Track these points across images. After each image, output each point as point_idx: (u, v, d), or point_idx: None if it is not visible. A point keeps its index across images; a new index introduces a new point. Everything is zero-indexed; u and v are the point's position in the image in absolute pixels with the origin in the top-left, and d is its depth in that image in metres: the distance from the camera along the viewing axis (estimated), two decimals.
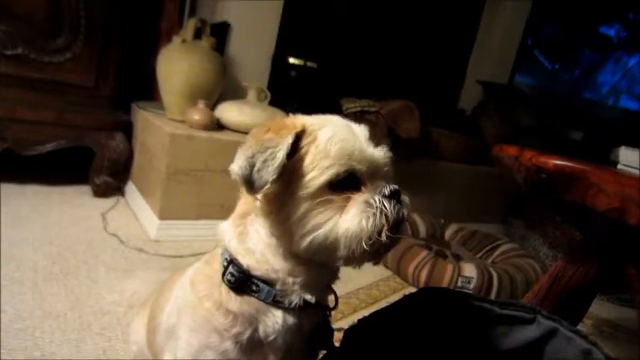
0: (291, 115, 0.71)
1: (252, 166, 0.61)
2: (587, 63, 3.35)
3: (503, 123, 3.23)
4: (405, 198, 0.66)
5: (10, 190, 2.00)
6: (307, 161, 0.63)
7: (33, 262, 1.49)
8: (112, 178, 2.23)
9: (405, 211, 0.65)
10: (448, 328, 0.86)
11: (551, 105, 3.44)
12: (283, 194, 0.64)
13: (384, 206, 0.63)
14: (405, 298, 0.86)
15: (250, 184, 0.62)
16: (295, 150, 0.63)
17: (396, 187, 0.65)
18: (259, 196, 0.65)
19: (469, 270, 1.93)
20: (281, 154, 0.61)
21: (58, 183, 2.22)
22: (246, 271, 0.68)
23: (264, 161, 0.60)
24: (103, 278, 1.49)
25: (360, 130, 0.68)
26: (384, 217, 0.62)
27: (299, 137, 0.63)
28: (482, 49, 3.57)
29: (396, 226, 0.64)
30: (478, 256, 2.43)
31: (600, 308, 2.18)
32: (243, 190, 0.71)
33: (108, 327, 1.24)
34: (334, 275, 0.74)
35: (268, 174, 0.60)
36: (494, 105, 3.37)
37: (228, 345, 0.68)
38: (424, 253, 2.02)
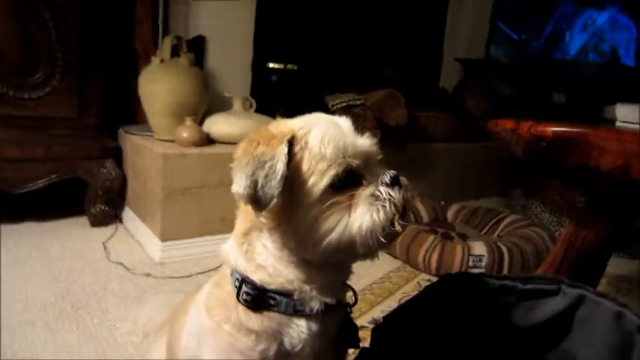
0: (273, 121, 0.69)
1: (254, 183, 0.59)
2: (557, 23, 3.34)
3: (486, 97, 3.24)
4: (404, 179, 0.66)
5: (6, 230, 1.97)
6: (304, 167, 0.62)
7: (41, 300, 1.47)
8: (107, 206, 2.20)
9: (409, 194, 0.65)
10: (475, 312, 0.85)
11: (530, 71, 3.43)
12: (287, 205, 0.63)
13: (391, 195, 0.62)
14: (427, 288, 0.85)
15: (257, 202, 0.60)
16: (290, 157, 0.62)
17: (395, 172, 0.65)
18: (265, 212, 0.63)
19: (479, 248, 1.92)
20: (280, 166, 0.60)
21: (54, 217, 2.19)
22: (261, 287, 0.67)
23: (266, 176, 0.59)
24: (113, 308, 1.47)
25: (345, 124, 0.67)
26: (393, 206, 0.62)
27: (290, 144, 0.62)
28: (455, 27, 3.57)
29: (404, 210, 0.64)
30: (483, 232, 2.42)
31: (613, 264, 2.16)
32: (241, 208, 0.70)
33: (126, 358, 1.22)
34: (348, 272, 0.73)
35: (272, 188, 0.59)
36: (475, 80, 3.37)
37: None
38: (431, 237, 2.01)
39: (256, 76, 2.59)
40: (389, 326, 0.78)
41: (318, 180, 0.61)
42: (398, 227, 0.62)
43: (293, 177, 0.62)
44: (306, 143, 0.63)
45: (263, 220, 0.65)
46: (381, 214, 0.61)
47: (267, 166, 0.60)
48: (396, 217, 0.62)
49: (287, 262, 0.66)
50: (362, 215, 0.61)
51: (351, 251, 0.63)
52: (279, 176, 0.59)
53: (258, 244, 0.68)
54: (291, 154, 0.62)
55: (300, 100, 2.48)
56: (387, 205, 0.62)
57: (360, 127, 0.68)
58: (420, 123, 2.89)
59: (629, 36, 3.06)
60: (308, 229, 0.62)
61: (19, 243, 1.89)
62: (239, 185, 0.60)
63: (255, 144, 0.62)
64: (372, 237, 0.61)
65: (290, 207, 0.63)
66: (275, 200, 0.60)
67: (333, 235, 0.61)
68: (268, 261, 0.67)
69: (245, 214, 0.69)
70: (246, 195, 0.60)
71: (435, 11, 3.49)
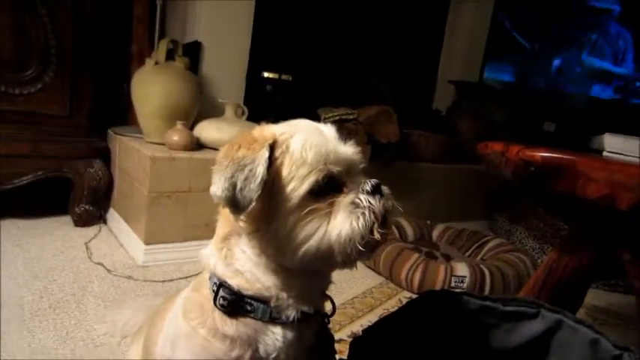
0: (257, 126, 0.69)
1: (233, 186, 0.59)
2: (555, 55, 3.41)
3: (478, 120, 3.27)
4: (385, 189, 0.66)
5: None
6: (284, 172, 0.61)
7: (18, 298, 1.44)
8: (92, 206, 2.18)
9: (390, 203, 0.65)
10: (454, 330, 0.85)
11: (522, 99, 3.49)
12: (266, 210, 0.63)
13: (370, 203, 0.62)
14: (409, 303, 0.85)
15: (235, 204, 0.60)
16: (271, 162, 0.62)
17: (376, 180, 0.65)
18: (243, 216, 0.64)
19: (461, 269, 1.93)
20: (260, 170, 0.60)
21: (37, 215, 2.17)
22: (238, 293, 0.66)
23: (245, 179, 0.59)
24: (92, 309, 1.45)
25: (329, 131, 0.67)
26: (372, 214, 0.62)
27: (272, 148, 0.62)
28: (450, 50, 3.62)
29: (384, 219, 0.63)
30: (467, 254, 2.43)
31: (590, 296, 2.18)
32: (222, 213, 0.70)
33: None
34: (328, 281, 0.73)
35: (251, 192, 0.59)
36: (468, 103, 3.41)
37: None
38: (415, 256, 2.02)
39: (250, 85, 2.60)
40: (368, 339, 0.78)
41: (297, 185, 0.61)
42: (377, 236, 0.61)
43: (273, 182, 0.62)
44: (287, 148, 0.63)
45: (242, 224, 0.65)
46: (361, 222, 0.61)
47: (247, 169, 0.60)
48: (376, 225, 0.62)
49: (265, 268, 0.66)
50: (341, 223, 0.61)
51: (329, 259, 0.62)
52: (258, 180, 0.59)
53: (237, 249, 0.68)
54: (272, 158, 0.62)
55: (292, 110, 2.49)
56: (367, 213, 0.61)
57: (345, 136, 0.69)
58: (411, 141, 2.91)
59: (625, 72, 3.13)
60: (286, 236, 0.62)
61: (2, 239, 1.86)
62: (217, 187, 0.60)
63: (237, 147, 0.62)
64: (351, 245, 0.61)
65: (269, 212, 0.63)
66: (253, 204, 0.60)
67: (312, 242, 0.61)
68: (246, 266, 0.67)
69: (225, 219, 0.69)
70: (224, 197, 0.60)
71: (432, 33, 3.54)
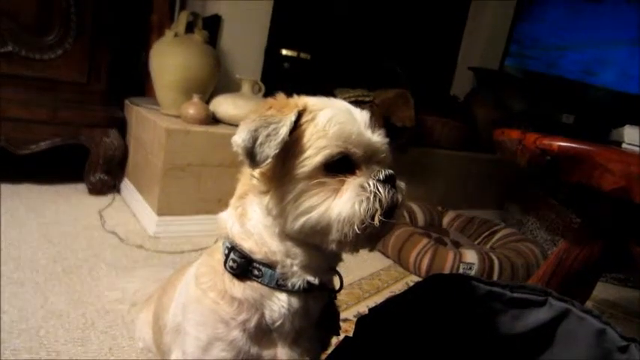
0: (295, 95, 0.70)
1: (255, 139, 0.61)
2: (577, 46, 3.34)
3: (496, 108, 3.23)
4: (401, 183, 0.66)
5: (4, 189, 1.98)
6: (304, 139, 0.63)
7: (33, 261, 1.48)
8: (107, 175, 2.21)
9: (400, 197, 0.65)
10: (460, 313, 0.85)
11: (542, 89, 3.43)
12: (280, 172, 0.64)
13: (378, 190, 0.62)
14: (416, 285, 0.85)
15: (252, 157, 0.62)
16: (295, 127, 0.63)
17: (391, 171, 0.65)
18: (256, 173, 0.66)
19: (470, 256, 1.93)
20: (284, 130, 0.61)
21: (53, 182, 2.20)
22: (248, 256, 0.68)
23: (267, 135, 0.61)
24: (104, 276, 1.47)
25: (361, 115, 0.68)
26: (377, 201, 0.62)
27: (300, 115, 0.64)
28: (472, 36, 3.57)
29: (391, 211, 0.63)
30: (477, 242, 2.43)
31: (599, 289, 2.19)
32: (243, 173, 0.72)
33: (112, 325, 1.23)
34: (337, 257, 0.73)
35: (270, 148, 0.60)
36: (486, 91, 3.37)
37: (236, 334, 0.68)
38: (425, 241, 2.02)
39: (268, 62, 2.59)
40: (374, 317, 0.79)
41: (313, 154, 0.62)
42: (377, 222, 0.61)
43: (291, 145, 0.63)
44: (313, 118, 0.64)
45: (255, 182, 0.67)
46: (363, 206, 0.61)
47: (271, 127, 0.61)
48: (378, 212, 0.61)
49: (272, 232, 0.67)
50: (345, 202, 0.61)
51: (325, 236, 0.63)
52: (279, 139, 0.61)
53: (250, 208, 0.69)
54: (297, 124, 0.63)
55: (309, 89, 2.48)
56: (372, 198, 0.61)
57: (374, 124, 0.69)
58: (426, 126, 2.88)
59: None
60: (291, 202, 0.63)
61: (17, 203, 1.89)
62: (239, 136, 0.62)
63: (268, 107, 0.64)
64: (349, 226, 0.61)
65: (281, 174, 0.64)
66: (269, 160, 0.61)
67: (313, 214, 0.62)
68: (256, 228, 0.68)
69: (245, 179, 0.71)
70: (243, 147, 0.61)
71: (454, 18, 3.49)
